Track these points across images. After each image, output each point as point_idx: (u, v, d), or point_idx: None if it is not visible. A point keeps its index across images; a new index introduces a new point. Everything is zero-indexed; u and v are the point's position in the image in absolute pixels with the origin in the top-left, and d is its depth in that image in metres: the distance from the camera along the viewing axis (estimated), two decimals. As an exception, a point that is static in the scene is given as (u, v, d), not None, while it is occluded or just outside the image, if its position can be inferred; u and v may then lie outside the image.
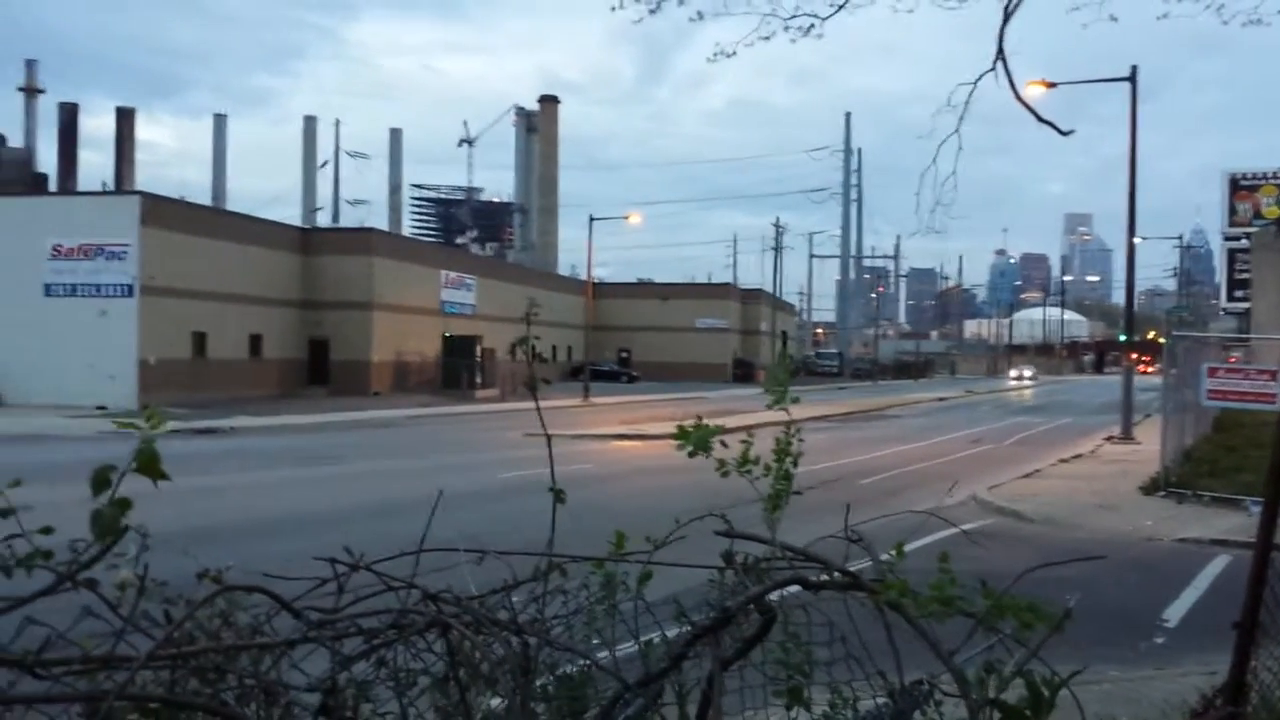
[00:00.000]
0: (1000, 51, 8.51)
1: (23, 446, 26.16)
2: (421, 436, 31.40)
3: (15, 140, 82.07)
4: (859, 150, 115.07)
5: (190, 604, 1.75)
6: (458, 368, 52.13)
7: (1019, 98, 8.72)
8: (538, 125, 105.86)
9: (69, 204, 45.89)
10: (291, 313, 49.10)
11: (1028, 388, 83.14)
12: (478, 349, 53.53)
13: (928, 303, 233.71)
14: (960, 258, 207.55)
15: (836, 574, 2.40)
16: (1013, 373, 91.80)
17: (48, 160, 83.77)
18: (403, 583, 2.08)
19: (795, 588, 2.48)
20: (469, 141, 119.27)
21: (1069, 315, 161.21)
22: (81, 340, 38.42)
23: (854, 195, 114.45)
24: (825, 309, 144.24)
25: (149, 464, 1.74)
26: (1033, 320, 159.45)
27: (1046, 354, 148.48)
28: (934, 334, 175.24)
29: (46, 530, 1.66)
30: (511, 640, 2.02)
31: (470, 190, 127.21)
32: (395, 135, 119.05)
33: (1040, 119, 9.21)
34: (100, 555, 1.62)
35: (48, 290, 39.58)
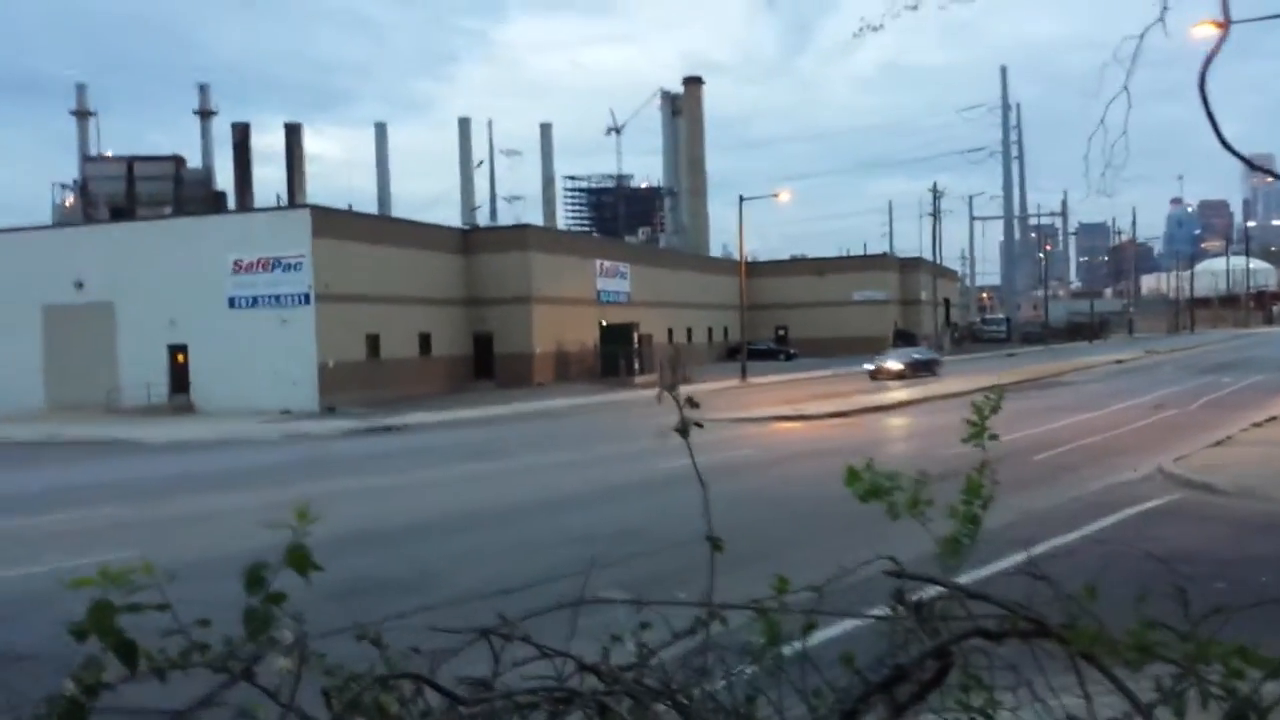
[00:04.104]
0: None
1: (216, 452, 27.88)
2: (584, 426, 31.89)
3: (194, 161, 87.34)
4: (1017, 105, 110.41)
5: (348, 687, 1.73)
6: (616, 356, 52.73)
7: (1212, 121, 8.09)
8: (682, 108, 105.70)
9: (246, 220, 48.58)
10: (456, 310, 50.69)
11: (1213, 345, 78.02)
12: (635, 336, 53.99)
13: (1100, 259, 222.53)
14: (1133, 210, 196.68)
15: (1022, 622, 2.23)
16: (867, 365, 48.68)
17: (224, 178, 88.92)
18: (558, 651, 2.02)
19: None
20: (617, 130, 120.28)
21: (1255, 264, 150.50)
22: (264, 348, 40.67)
23: (1015, 153, 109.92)
24: (990, 273, 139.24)
25: (299, 561, 1.73)
26: (1215, 271, 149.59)
27: (1232, 305, 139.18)
28: (1108, 292, 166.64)
29: (204, 623, 1.67)
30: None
31: (620, 178, 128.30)
32: (545, 130, 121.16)
33: (1252, 166, 8.69)
34: (258, 657, 1.62)
35: (231, 303, 42.02)
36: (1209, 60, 7.87)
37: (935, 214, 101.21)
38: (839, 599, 2.55)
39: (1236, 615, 2.34)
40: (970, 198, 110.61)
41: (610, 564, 10.39)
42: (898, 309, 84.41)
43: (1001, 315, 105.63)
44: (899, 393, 37.26)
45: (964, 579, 2.76)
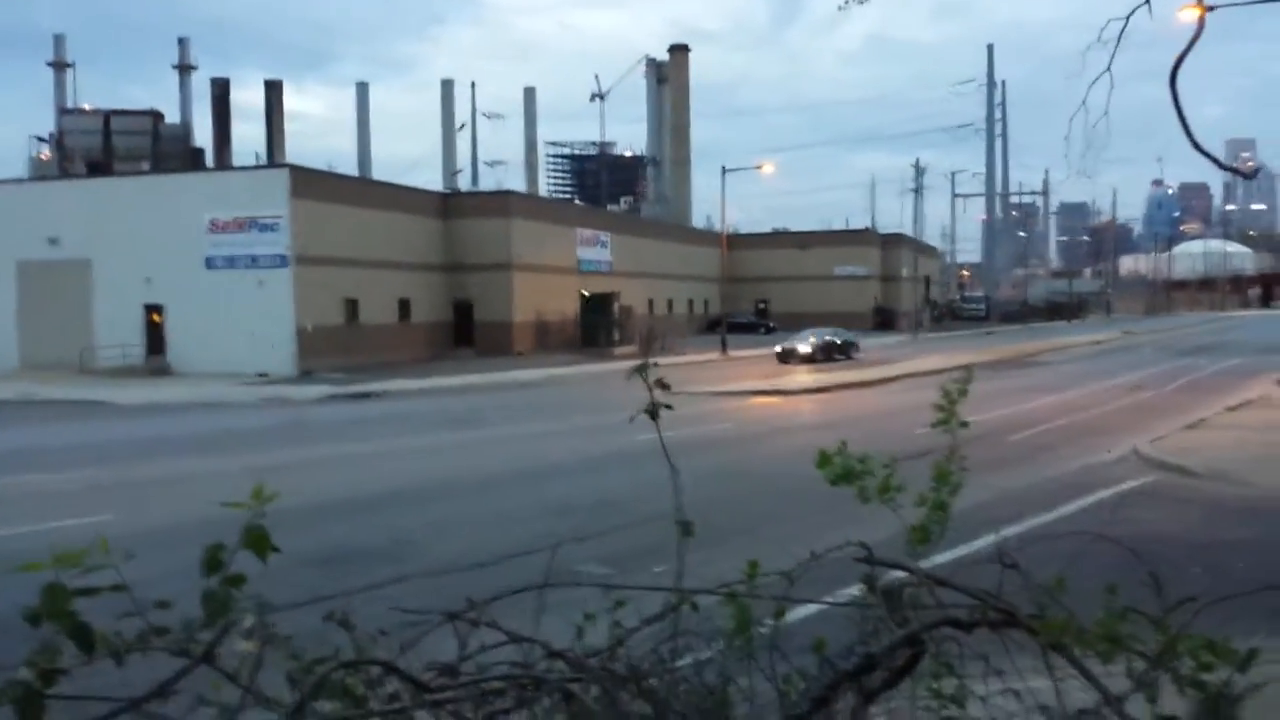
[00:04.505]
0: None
1: (193, 415, 27.70)
2: (563, 397, 31.85)
3: (172, 116, 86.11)
4: (1003, 83, 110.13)
5: (311, 670, 1.70)
6: (596, 326, 52.64)
7: (1181, 120, 8.08)
8: (668, 75, 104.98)
9: (223, 179, 48.01)
10: (436, 276, 50.38)
11: (1194, 327, 78.66)
12: (615, 306, 53.87)
13: (1080, 239, 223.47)
14: (1114, 191, 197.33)
15: (992, 612, 2.23)
16: (777, 348, 45.81)
17: (203, 135, 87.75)
18: (524, 638, 2.00)
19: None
20: (601, 96, 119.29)
21: (1233, 247, 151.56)
22: (241, 310, 40.31)
23: (998, 131, 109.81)
24: (970, 250, 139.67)
25: (258, 543, 1.70)
26: (1193, 254, 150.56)
27: (1209, 288, 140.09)
28: (1087, 272, 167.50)
29: (163, 604, 1.64)
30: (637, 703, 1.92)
31: (603, 145, 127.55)
32: (529, 94, 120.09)
33: (1221, 166, 8.74)
34: (218, 639, 1.59)
35: (208, 263, 41.58)
36: (1182, 57, 7.87)
37: (918, 190, 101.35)
38: (811, 580, 2.54)
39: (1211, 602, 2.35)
40: (953, 174, 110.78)
41: (588, 536, 10.37)
42: (879, 285, 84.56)
43: (981, 294, 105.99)
44: (879, 369, 37.40)
45: (937, 561, 2.76)
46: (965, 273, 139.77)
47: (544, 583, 2.60)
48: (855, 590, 2.44)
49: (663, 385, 2.78)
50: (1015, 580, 2.45)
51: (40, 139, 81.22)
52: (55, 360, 41.15)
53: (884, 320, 77.93)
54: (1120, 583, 2.31)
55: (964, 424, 2.96)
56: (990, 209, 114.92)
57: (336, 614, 2.00)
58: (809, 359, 42.79)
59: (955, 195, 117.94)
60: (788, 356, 43.33)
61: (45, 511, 12.45)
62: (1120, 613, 2.20)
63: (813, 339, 45.12)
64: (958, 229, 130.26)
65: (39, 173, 73.60)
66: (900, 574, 2.48)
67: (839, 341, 46.39)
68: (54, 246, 42.94)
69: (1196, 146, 8.57)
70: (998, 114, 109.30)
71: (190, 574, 1.73)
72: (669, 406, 2.79)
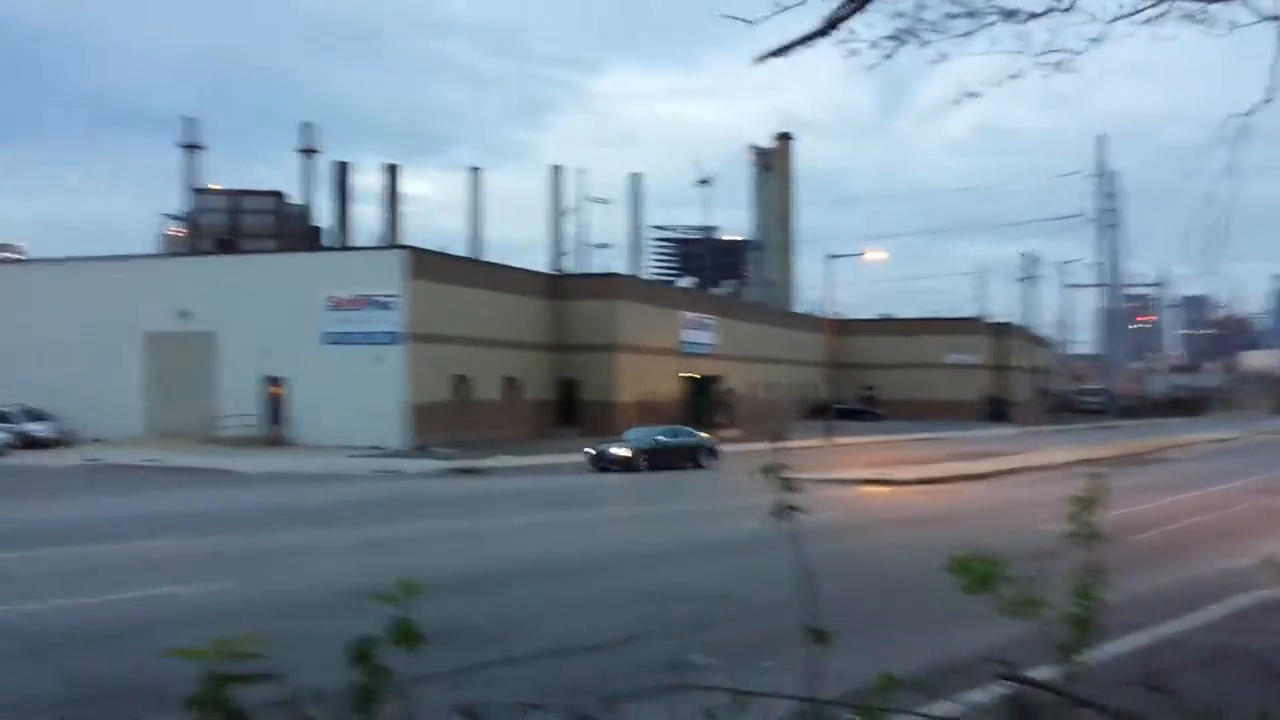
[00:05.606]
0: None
1: (310, 485, 28.52)
2: (667, 479, 31.78)
3: (293, 193, 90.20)
4: (1113, 174, 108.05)
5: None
6: (699, 407, 52.68)
7: None
8: (773, 163, 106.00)
9: (344, 259, 50.00)
10: (543, 355, 51.27)
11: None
12: (719, 389, 53.90)
13: (1202, 332, 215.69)
14: (1234, 285, 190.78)
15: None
16: (589, 449, 35.18)
17: (324, 214, 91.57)
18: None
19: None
20: (705, 182, 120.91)
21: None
22: (356, 384, 41.56)
23: (1111, 221, 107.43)
24: (1084, 341, 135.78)
25: (408, 637, 1.82)
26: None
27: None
28: (1209, 366, 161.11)
29: (318, 696, 1.73)
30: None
31: (707, 229, 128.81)
32: (635, 179, 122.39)
33: None
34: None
35: (327, 339, 43.10)
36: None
37: (1027, 279, 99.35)
38: (941, 684, 2.49)
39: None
40: (1065, 264, 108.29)
41: (694, 628, 10.32)
42: (989, 374, 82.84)
43: (1099, 386, 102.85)
44: (993, 462, 36.45)
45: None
46: (1081, 365, 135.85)
47: (674, 683, 2.59)
48: (981, 696, 2.39)
49: (793, 487, 2.78)
50: (1161, 701, 2.36)
51: (171, 216, 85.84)
52: (180, 428, 42.92)
53: (996, 411, 76.10)
54: (1266, 702, 2.22)
55: (1102, 537, 2.88)
56: (1106, 300, 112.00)
57: (463, 708, 2.05)
58: (628, 465, 32.83)
59: (1067, 285, 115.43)
60: (602, 461, 33.39)
61: (173, 576, 12.88)
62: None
63: (632, 442, 34.22)
64: (1070, 320, 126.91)
65: (170, 248, 77.73)
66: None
67: (678, 444, 35.36)
68: (183, 319, 45.07)
69: None
70: (1110, 204, 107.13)
71: (311, 644, 1.81)
72: (800, 509, 2.78)
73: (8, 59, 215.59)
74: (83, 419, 43.16)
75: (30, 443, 39.90)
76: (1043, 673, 2.66)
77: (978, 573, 2.70)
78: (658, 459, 33.39)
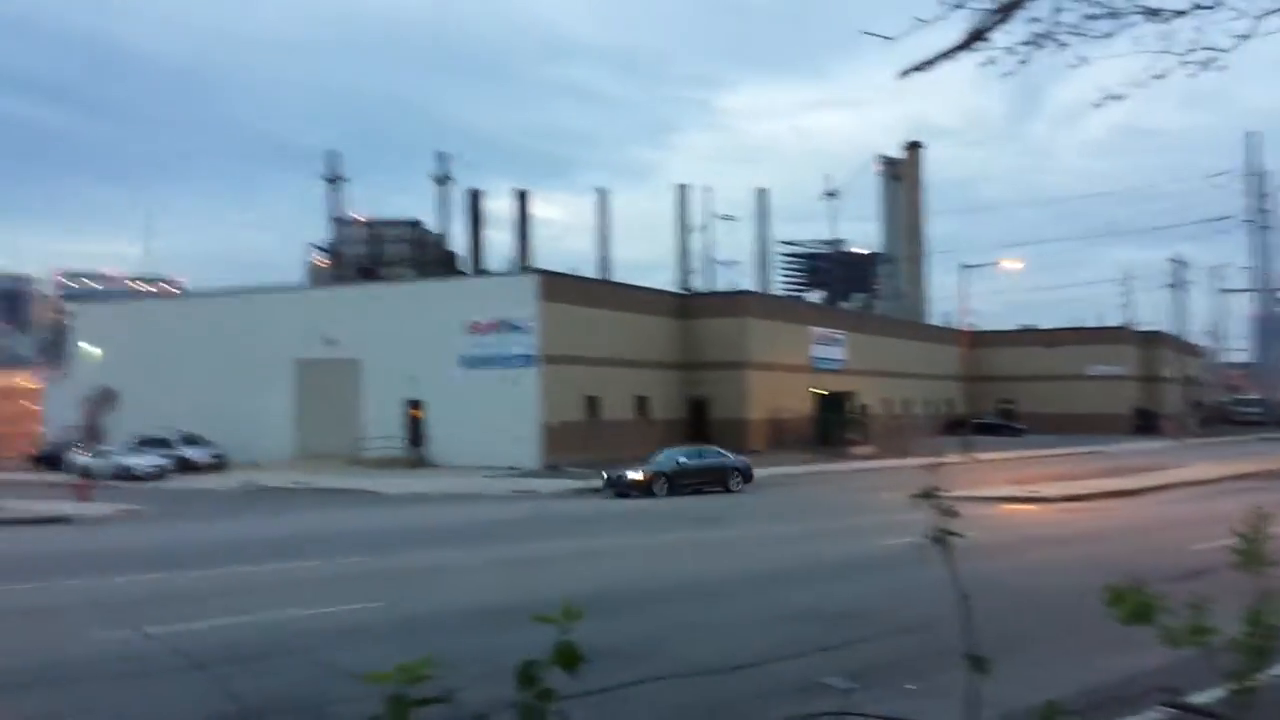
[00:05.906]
0: None
1: (451, 505, 29.36)
2: (800, 497, 31.49)
3: (428, 220, 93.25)
4: (1266, 173, 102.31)
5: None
6: (831, 424, 52.01)
7: None
8: (902, 172, 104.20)
9: (479, 284, 51.34)
10: (673, 374, 51.52)
11: None
12: (851, 405, 53.13)
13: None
14: None
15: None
16: (603, 474, 33.55)
17: (458, 240, 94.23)
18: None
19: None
20: (833, 194, 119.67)
21: None
22: (493, 406, 42.63)
23: (1265, 222, 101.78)
24: (1238, 349, 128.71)
25: (569, 659, 1.91)
26: None
27: None
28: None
29: (481, 717, 1.83)
30: None
31: (835, 242, 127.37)
32: (762, 195, 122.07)
33: None
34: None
35: (464, 362, 44.30)
36: None
37: (1176, 285, 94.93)
38: (1100, 710, 2.43)
39: None
40: (1216, 269, 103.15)
41: (832, 647, 10.18)
42: (1137, 385, 79.33)
43: (1257, 396, 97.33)
44: (1142, 478, 34.86)
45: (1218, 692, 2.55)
46: (1235, 374, 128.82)
47: (831, 711, 2.61)
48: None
49: (951, 513, 2.76)
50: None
51: (317, 247, 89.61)
52: (327, 451, 44.72)
53: (1145, 424, 72.77)
54: None
55: (1270, 560, 2.76)
56: (1260, 306, 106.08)
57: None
58: (645, 489, 31.06)
59: (1219, 291, 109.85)
60: (618, 486, 31.69)
61: (324, 596, 13.42)
62: None
63: (652, 465, 32.42)
64: (1223, 327, 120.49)
65: (315, 278, 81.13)
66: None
67: (703, 465, 33.33)
68: (329, 347, 47.01)
69: None
70: (1263, 204, 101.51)
71: (459, 661, 1.90)
72: (959, 534, 2.76)
73: (163, 102, 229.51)
74: (235, 443, 45.41)
75: (186, 466, 42.17)
76: (1204, 698, 2.56)
77: (1134, 604, 2.64)
78: (680, 483, 31.69)
